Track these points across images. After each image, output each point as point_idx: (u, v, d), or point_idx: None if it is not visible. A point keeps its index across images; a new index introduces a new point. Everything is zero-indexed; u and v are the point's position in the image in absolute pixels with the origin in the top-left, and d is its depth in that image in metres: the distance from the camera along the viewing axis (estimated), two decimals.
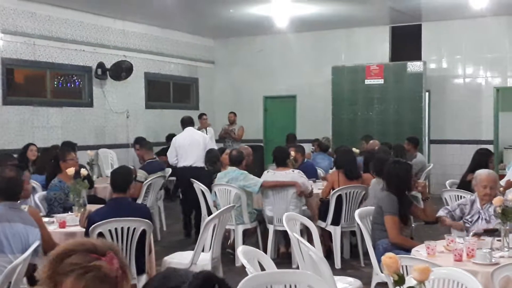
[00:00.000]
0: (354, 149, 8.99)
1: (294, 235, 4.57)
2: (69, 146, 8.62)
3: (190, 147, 9.00)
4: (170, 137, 12.63)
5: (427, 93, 12.65)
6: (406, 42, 13.41)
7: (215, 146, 12.26)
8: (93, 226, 4.77)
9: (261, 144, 14.41)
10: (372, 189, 6.76)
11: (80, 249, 1.64)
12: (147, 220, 4.97)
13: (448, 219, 5.20)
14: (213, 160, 8.39)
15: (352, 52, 13.66)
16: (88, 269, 1.61)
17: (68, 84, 11.96)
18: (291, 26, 12.33)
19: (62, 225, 5.32)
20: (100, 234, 4.79)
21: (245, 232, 7.28)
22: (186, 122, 9.55)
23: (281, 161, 7.35)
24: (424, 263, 3.54)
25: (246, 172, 7.33)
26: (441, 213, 5.28)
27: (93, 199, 7.33)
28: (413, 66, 12.30)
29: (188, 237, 8.78)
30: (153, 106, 13.41)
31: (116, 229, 4.83)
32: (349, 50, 13.75)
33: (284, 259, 7.14)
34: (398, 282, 2.21)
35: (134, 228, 4.89)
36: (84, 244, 1.65)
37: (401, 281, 2.21)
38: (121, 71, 12.05)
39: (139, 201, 7.92)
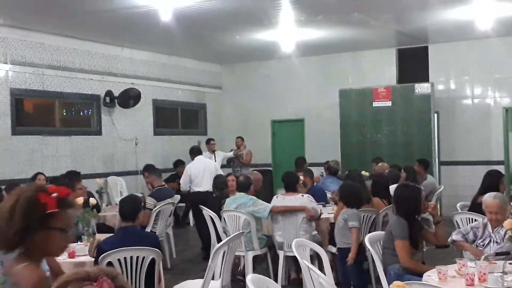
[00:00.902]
0: (363, 172, 8.96)
1: (304, 262, 4.52)
2: (74, 175, 8.65)
3: (204, 174, 9.61)
4: (178, 163, 12.69)
5: (435, 115, 12.62)
6: (413, 64, 13.43)
7: (220, 171, 12.28)
8: (102, 255, 4.75)
9: (270, 168, 14.40)
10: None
11: (74, 278, 1.67)
12: (156, 249, 4.94)
13: (467, 244, 5.14)
14: (221, 186, 8.38)
15: (359, 75, 13.69)
16: None
17: (77, 113, 12.05)
18: (298, 50, 12.38)
19: (72, 255, 5.30)
20: (110, 264, 4.77)
21: (255, 259, 7.23)
22: (196, 151, 10.31)
23: (291, 186, 7.32)
24: None
25: (255, 197, 7.31)
26: (457, 237, 5.22)
27: (102, 228, 7.33)
28: (421, 88, 12.29)
29: (206, 259, 8.67)
30: (162, 133, 13.46)
31: (125, 258, 4.80)
32: (356, 73, 13.78)
33: (295, 285, 7.09)
34: None
35: (143, 257, 4.87)
36: (78, 273, 1.68)
37: None
38: (129, 98, 12.13)
39: (148, 228, 7.90)
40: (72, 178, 7.87)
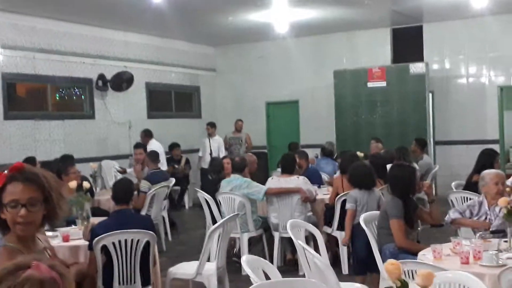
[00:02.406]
0: (358, 153, 8.94)
1: (299, 243, 4.51)
2: (68, 159, 8.61)
3: None
4: (172, 146, 12.65)
5: (430, 94, 12.59)
6: (407, 43, 13.36)
7: (222, 153, 12.27)
8: (96, 239, 4.73)
9: (265, 150, 14.36)
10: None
11: (5, 273, 1.61)
12: (151, 232, 4.93)
13: (467, 220, 5.15)
14: (217, 168, 8.35)
15: (353, 56, 13.62)
16: (21, 284, 1.57)
17: (69, 97, 11.96)
18: (291, 31, 12.30)
19: (66, 239, 5.28)
20: (104, 247, 4.75)
21: (251, 240, 7.23)
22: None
23: (288, 168, 7.30)
24: (430, 267, 3.50)
25: (249, 179, 7.29)
26: (454, 215, 5.22)
27: (97, 211, 7.29)
28: (415, 68, 12.24)
29: None
30: (155, 116, 13.38)
31: (120, 241, 4.79)
32: (351, 53, 13.71)
33: (291, 266, 7.09)
34: None
35: (138, 240, 4.85)
36: (6, 268, 1.63)
37: (404, 287, 2.16)
38: (122, 82, 12.04)
39: (143, 212, 7.89)
40: (65, 162, 7.80)
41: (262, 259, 3.93)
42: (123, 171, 10.68)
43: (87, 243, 4.98)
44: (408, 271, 3.73)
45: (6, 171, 2.43)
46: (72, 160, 8.60)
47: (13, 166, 2.46)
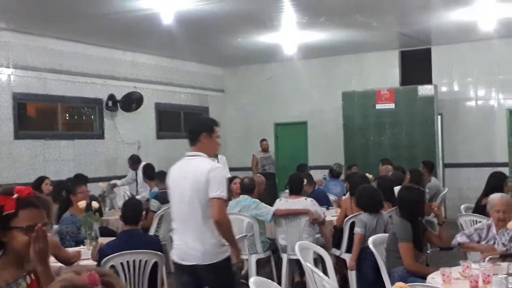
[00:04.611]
0: (367, 175, 8.92)
1: (307, 265, 4.49)
2: (81, 179, 8.64)
3: None
4: None
5: (439, 117, 12.59)
6: (416, 66, 13.40)
7: (229, 174, 12.28)
8: (105, 259, 4.73)
9: (273, 171, 14.34)
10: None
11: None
12: (159, 253, 4.93)
13: (475, 244, 5.12)
14: None
15: (362, 77, 13.66)
16: (58, 282, 1.67)
17: (79, 117, 12.05)
18: (300, 53, 12.37)
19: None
20: (112, 267, 4.76)
21: (259, 262, 7.20)
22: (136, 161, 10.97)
23: (296, 188, 7.29)
24: None
25: (258, 200, 7.28)
26: (462, 239, 5.19)
27: (105, 231, 7.29)
28: (424, 90, 12.26)
29: None
30: (164, 136, 13.44)
31: (128, 262, 4.79)
32: (359, 75, 13.76)
33: None
34: None
35: (146, 261, 4.85)
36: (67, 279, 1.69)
37: None
38: (132, 102, 12.13)
39: (152, 231, 7.88)
40: (75, 181, 7.84)
41: (270, 281, 3.91)
42: (113, 186, 10.70)
43: (95, 263, 4.98)
44: None
45: (16, 195, 2.44)
46: (85, 180, 8.64)
47: (23, 192, 2.47)
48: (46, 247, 2.43)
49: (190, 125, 4.66)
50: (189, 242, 4.24)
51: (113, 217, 8.18)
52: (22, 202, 2.44)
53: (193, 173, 4.23)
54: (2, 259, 2.45)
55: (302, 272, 7.02)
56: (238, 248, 4.38)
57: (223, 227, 4.16)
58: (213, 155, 4.52)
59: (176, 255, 4.34)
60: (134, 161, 11.12)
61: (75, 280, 1.68)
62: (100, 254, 4.88)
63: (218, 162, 12.86)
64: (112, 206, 10.30)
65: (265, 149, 13.38)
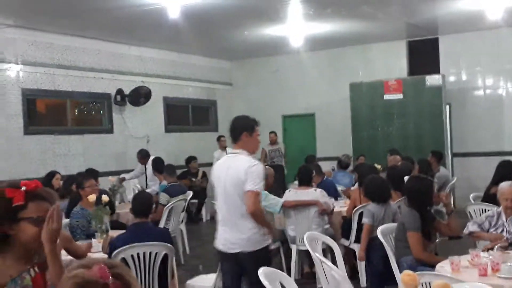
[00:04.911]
0: (376, 165, 8.93)
1: (316, 255, 4.52)
2: (91, 173, 8.70)
3: None
4: (190, 159, 12.73)
5: (447, 106, 12.55)
6: (423, 56, 13.35)
7: None
8: (115, 251, 4.78)
9: (281, 163, 14.37)
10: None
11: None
12: (169, 245, 4.97)
13: (485, 233, 5.13)
14: None
15: (369, 68, 13.63)
16: (68, 278, 1.68)
17: (88, 112, 12.12)
18: (307, 45, 12.36)
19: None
20: (123, 260, 4.80)
21: None
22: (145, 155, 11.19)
23: (306, 180, 7.31)
24: (447, 279, 3.50)
25: (266, 192, 7.29)
26: (473, 227, 5.20)
27: (115, 225, 7.35)
28: (432, 80, 12.21)
29: None
30: (173, 130, 13.50)
31: (138, 254, 4.84)
32: (367, 66, 13.73)
33: (308, 279, 7.08)
34: None
35: (156, 253, 4.90)
36: (78, 275, 1.71)
37: None
38: (140, 96, 12.17)
39: (161, 224, 7.93)
40: (82, 176, 7.88)
41: (279, 271, 3.94)
42: (121, 180, 10.76)
43: (106, 256, 5.03)
44: (426, 283, 3.72)
45: (23, 188, 2.48)
46: (96, 174, 8.70)
47: (30, 185, 2.51)
48: (59, 227, 2.47)
49: (232, 124, 4.85)
50: (232, 232, 4.59)
51: (123, 211, 8.23)
52: (31, 195, 2.48)
53: (234, 169, 4.57)
54: (7, 254, 2.46)
55: (311, 263, 7.06)
56: (272, 231, 4.80)
57: (257, 218, 4.51)
58: (254, 152, 4.80)
59: (221, 244, 4.68)
60: (143, 155, 11.21)
61: (87, 275, 1.70)
62: (111, 247, 4.93)
63: (226, 154, 12.96)
64: (122, 200, 10.35)
65: (272, 142, 13.41)
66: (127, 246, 4.80)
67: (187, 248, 9.20)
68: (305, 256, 7.25)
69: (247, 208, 4.47)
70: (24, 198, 2.45)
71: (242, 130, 4.70)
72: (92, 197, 6.05)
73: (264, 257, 4.55)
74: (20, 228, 2.45)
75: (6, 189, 2.46)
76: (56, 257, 2.52)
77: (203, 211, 12.63)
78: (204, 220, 12.66)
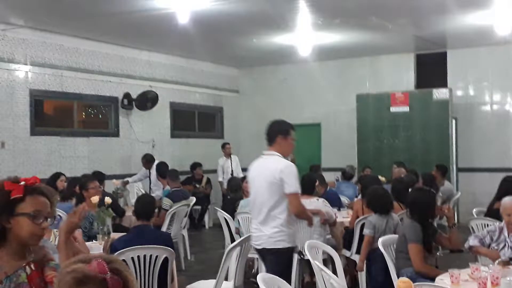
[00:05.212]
0: (380, 177, 8.91)
1: (316, 263, 4.52)
2: (98, 176, 8.73)
3: None
4: (195, 166, 12.75)
5: (454, 121, 12.53)
6: (431, 69, 13.35)
7: (241, 174, 12.34)
8: (116, 254, 4.78)
9: None
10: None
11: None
12: (169, 248, 4.98)
13: (484, 248, 5.10)
14: (235, 188, 8.40)
15: (376, 80, 13.64)
16: (67, 273, 1.72)
17: (95, 115, 12.17)
18: (315, 54, 12.38)
19: None
20: (123, 262, 4.80)
21: None
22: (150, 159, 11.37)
23: (308, 188, 7.29)
24: None
25: None
26: (474, 242, 5.18)
27: (118, 228, 7.37)
28: (439, 93, 12.19)
29: None
30: (179, 135, 13.53)
31: (138, 256, 4.84)
32: (374, 77, 13.74)
33: None
34: None
35: (157, 256, 4.90)
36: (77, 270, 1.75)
37: None
38: (147, 101, 12.22)
39: (163, 229, 7.93)
40: (86, 177, 7.91)
41: (277, 277, 3.94)
42: (125, 183, 10.79)
43: None
44: None
45: (23, 183, 2.50)
46: (102, 177, 8.74)
47: (30, 180, 2.52)
48: (78, 223, 2.56)
49: (268, 127, 5.17)
50: (260, 229, 4.98)
51: (126, 214, 8.24)
52: (30, 189, 2.49)
53: (268, 170, 4.90)
54: (3, 249, 2.46)
55: (312, 273, 7.03)
56: (311, 221, 5.40)
57: (302, 216, 5.07)
58: (288, 155, 5.15)
59: (253, 239, 5.12)
60: (147, 159, 11.24)
61: (86, 270, 1.73)
62: (112, 249, 4.94)
63: (232, 162, 12.99)
64: (125, 203, 10.38)
65: None
66: (128, 248, 4.80)
67: (189, 254, 9.20)
68: (306, 265, 7.22)
69: (291, 210, 4.85)
70: (23, 191, 2.46)
71: (278, 133, 5.02)
72: (95, 199, 6.08)
73: (283, 257, 4.82)
74: (16, 222, 2.44)
75: (5, 182, 2.48)
76: (67, 248, 2.54)
77: (206, 218, 12.63)
78: (207, 226, 12.66)
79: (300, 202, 4.93)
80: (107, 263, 1.76)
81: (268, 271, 4.81)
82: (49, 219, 2.50)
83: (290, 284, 5.08)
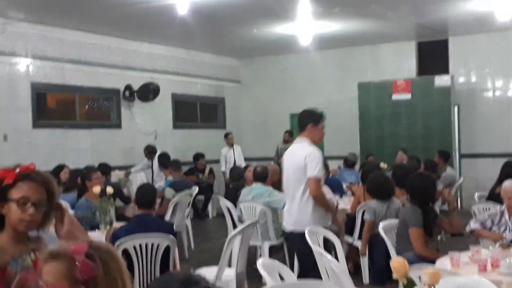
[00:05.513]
0: (381, 164, 8.94)
1: (316, 248, 4.54)
2: (103, 168, 8.82)
3: None
4: (197, 156, 12.78)
5: (456, 107, 12.51)
6: (433, 56, 13.32)
7: (243, 163, 12.38)
8: (117, 242, 4.82)
9: None
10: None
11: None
12: (171, 236, 5.01)
13: (486, 232, 5.12)
14: (237, 177, 8.43)
15: (378, 68, 13.62)
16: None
17: (97, 107, 12.19)
18: (315, 43, 12.36)
19: None
20: (125, 250, 4.84)
21: (272, 249, 7.25)
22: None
23: None
24: (446, 273, 3.50)
25: (271, 188, 7.34)
26: (475, 225, 5.20)
27: (120, 219, 7.41)
28: (441, 80, 12.17)
29: None
30: (181, 126, 13.55)
31: (140, 245, 4.87)
32: (375, 66, 13.71)
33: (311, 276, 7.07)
34: (407, 286, 2.19)
35: (158, 244, 4.93)
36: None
37: (411, 285, 2.19)
38: (149, 92, 12.23)
39: (167, 219, 7.98)
40: (88, 168, 7.95)
41: (278, 262, 3.96)
42: (127, 174, 10.84)
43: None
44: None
45: (18, 169, 2.52)
46: (108, 170, 8.81)
47: (26, 167, 2.55)
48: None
49: (300, 115, 5.52)
50: (289, 213, 5.32)
51: (129, 205, 8.28)
52: (21, 176, 2.51)
53: (296, 156, 5.21)
54: (4, 233, 2.51)
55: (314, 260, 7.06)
56: (334, 213, 5.46)
57: (319, 201, 5.15)
58: (318, 142, 5.38)
59: (283, 222, 5.44)
60: (149, 151, 11.29)
61: (63, 248, 1.86)
62: (113, 238, 4.97)
63: (234, 152, 13.03)
64: (128, 194, 10.42)
65: (286, 140, 13.37)
66: (129, 236, 4.84)
67: (192, 243, 9.24)
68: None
69: (310, 193, 5.06)
70: (14, 178, 2.48)
71: (309, 121, 5.31)
72: (97, 189, 6.11)
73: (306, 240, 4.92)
74: (8, 208, 2.48)
75: (1, 169, 2.52)
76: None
77: (210, 208, 12.67)
78: (210, 216, 12.70)
79: (319, 187, 5.08)
80: (93, 249, 1.85)
81: (297, 255, 5.11)
82: (42, 206, 2.50)
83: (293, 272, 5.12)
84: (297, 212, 5.17)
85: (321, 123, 5.36)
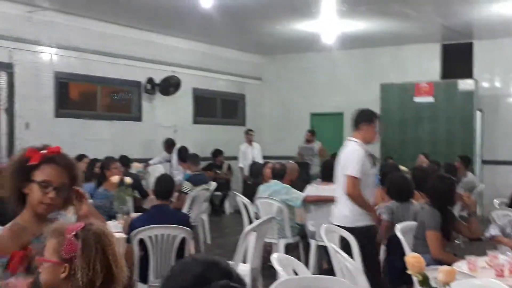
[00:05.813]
0: (402, 168, 8.84)
1: (332, 246, 4.52)
2: (124, 160, 8.90)
3: None
4: (216, 153, 12.79)
5: (479, 112, 12.36)
6: (457, 60, 13.17)
7: (261, 161, 12.35)
8: (134, 232, 4.84)
9: (308, 161, 14.32)
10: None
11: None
12: (187, 228, 5.01)
13: (505, 239, 5.05)
14: (256, 173, 8.42)
15: (401, 70, 13.50)
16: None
17: (119, 98, 12.26)
18: (339, 43, 12.29)
19: None
20: (141, 240, 4.86)
21: (288, 247, 7.23)
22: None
23: (328, 175, 7.27)
24: (462, 275, 3.46)
25: (288, 186, 7.32)
26: (495, 231, 5.13)
27: (139, 210, 7.44)
28: (464, 84, 12.04)
29: None
30: (201, 122, 13.57)
31: (156, 235, 4.88)
32: (398, 67, 13.60)
33: (327, 275, 7.03)
34: (422, 282, 2.16)
35: (174, 236, 4.94)
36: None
37: (426, 281, 2.16)
38: (170, 86, 12.27)
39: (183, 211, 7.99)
40: (108, 158, 8.00)
41: (292, 258, 3.94)
42: (146, 166, 10.89)
43: (126, 236, 5.10)
44: None
45: (44, 151, 2.53)
46: (128, 162, 8.88)
47: (52, 149, 2.56)
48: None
49: (354, 114, 5.60)
50: (337, 207, 5.43)
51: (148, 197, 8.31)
52: (47, 158, 2.53)
53: (343, 154, 5.40)
54: (26, 212, 2.54)
55: (330, 259, 7.02)
56: (373, 214, 5.42)
57: (354, 199, 5.19)
58: (372, 142, 5.48)
59: (333, 219, 5.48)
60: (168, 144, 11.35)
61: (60, 225, 2.04)
62: (131, 227, 4.99)
63: (253, 149, 13.01)
64: (147, 186, 10.47)
65: (307, 140, 13.34)
66: (146, 227, 4.85)
67: (208, 238, 9.25)
68: (324, 252, 7.21)
69: (345, 190, 5.17)
70: (40, 159, 2.50)
71: (362, 120, 5.42)
72: (115, 178, 6.14)
73: (361, 235, 5.04)
74: (30, 188, 2.51)
75: (29, 148, 2.54)
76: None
77: (227, 204, 12.68)
78: (227, 212, 12.71)
79: (354, 185, 5.14)
80: (83, 230, 1.98)
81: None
82: (63, 191, 2.52)
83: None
84: (343, 208, 5.29)
85: (374, 122, 5.45)
